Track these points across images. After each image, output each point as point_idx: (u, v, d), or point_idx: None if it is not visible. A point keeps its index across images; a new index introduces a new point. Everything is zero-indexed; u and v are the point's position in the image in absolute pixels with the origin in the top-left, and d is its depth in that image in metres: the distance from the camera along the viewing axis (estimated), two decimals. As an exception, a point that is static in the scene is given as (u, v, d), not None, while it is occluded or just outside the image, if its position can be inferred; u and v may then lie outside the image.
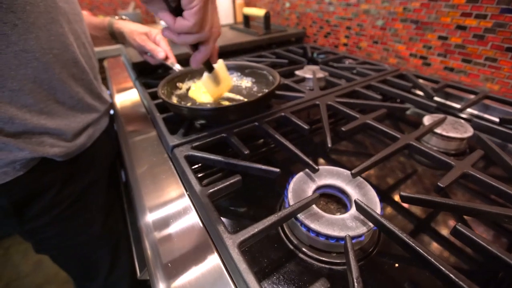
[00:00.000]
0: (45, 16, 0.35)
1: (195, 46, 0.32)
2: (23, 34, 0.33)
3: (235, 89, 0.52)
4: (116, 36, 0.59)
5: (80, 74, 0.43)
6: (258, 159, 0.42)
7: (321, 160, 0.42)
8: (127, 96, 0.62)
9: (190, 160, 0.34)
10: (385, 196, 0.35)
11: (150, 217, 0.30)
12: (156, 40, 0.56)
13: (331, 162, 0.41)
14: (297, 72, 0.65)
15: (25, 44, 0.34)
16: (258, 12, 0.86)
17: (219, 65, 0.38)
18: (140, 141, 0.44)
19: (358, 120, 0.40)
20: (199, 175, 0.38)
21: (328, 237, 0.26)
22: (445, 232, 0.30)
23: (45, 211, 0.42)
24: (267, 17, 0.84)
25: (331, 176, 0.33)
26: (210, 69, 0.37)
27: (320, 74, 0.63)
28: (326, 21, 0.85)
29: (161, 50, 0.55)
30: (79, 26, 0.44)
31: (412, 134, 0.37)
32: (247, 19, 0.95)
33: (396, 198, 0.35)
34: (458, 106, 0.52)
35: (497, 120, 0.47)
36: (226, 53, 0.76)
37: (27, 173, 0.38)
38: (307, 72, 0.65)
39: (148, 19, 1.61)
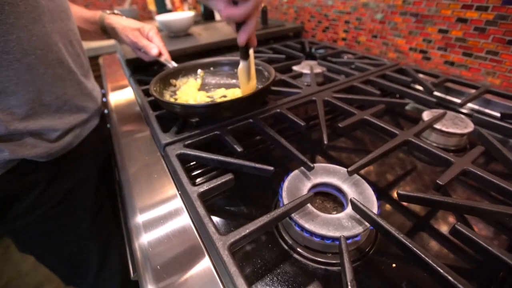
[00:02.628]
0: (26, 16, 0.34)
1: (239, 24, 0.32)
2: (2, 36, 0.32)
3: (231, 86, 0.51)
4: (107, 32, 0.57)
5: (66, 74, 0.42)
6: (254, 156, 0.41)
7: (319, 157, 0.41)
8: (122, 94, 0.61)
9: (182, 158, 0.34)
10: (383, 193, 0.34)
11: (140, 218, 0.29)
12: (149, 36, 0.55)
13: (329, 159, 0.40)
14: (294, 68, 0.64)
15: (5, 46, 0.33)
16: (255, 6, 0.84)
17: (252, 56, 0.38)
18: (133, 139, 0.43)
19: (356, 116, 0.39)
20: (195, 173, 0.38)
21: (323, 237, 0.25)
22: (444, 229, 0.29)
23: (28, 211, 0.41)
24: (264, 11, 0.82)
25: (327, 174, 0.32)
26: (246, 54, 0.37)
27: (318, 69, 0.62)
28: (325, 15, 0.83)
29: (154, 46, 0.54)
30: (66, 24, 0.42)
31: (411, 130, 0.36)
32: (244, 14, 0.93)
33: (395, 195, 0.34)
34: (458, 101, 0.51)
35: (498, 115, 0.46)
36: (222, 48, 0.75)
37: (6, 173, 0.37)
38: (304, 67, 0.64)
39: (145, 15, 1.59)
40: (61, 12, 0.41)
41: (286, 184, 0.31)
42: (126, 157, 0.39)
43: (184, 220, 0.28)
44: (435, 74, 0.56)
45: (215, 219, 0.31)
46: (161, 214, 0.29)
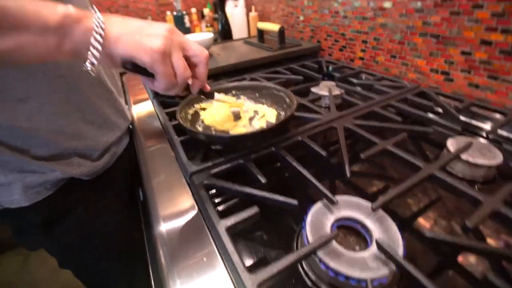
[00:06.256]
0: None
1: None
2: (56, 61, 0.35)
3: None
4: None
5: (105, 93, 0.45)
6: (276, 183, 0.42)
7: (339, 183, 0.41)
8: (145, 111, 0.64)
9: (209, 188, 0.35)
10: (406, 224, 0.34)
11: (168, 248, 0.31)
12: None
13: (349, 185, 0.40)
14: (313, 89, 0.64)
15: (59, 70, 0.36)
16: (272, 27, 0.87)
17: (219, 97, 0.44)
18: (158, 160, 0.45)
19: (378, 146, 0.39)
20: (217, 200, 0.39)
21: (348, 277, 0.26)
22: (476, 269, 0.28)
23: (73, 228, 0.44)
24: (281, 32, 0.84)
25: (351, 207, 0.33)
26: (209, 96, 0.42)
27: (337, 91, 0.62)
28: (342, 35, 0.84)
29: None
30: None
31: (436, 163, 0.36)
32: (261, 33, 0.96)
33: (418, 225, 0.33)
34: (484, 125, 0.50)
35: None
36: (240, 70, 0.77)
37: (56, 191, 0.41)
38: (323, 88, 0.64)
39: (165, 32, 1.67)
40: None
41: (309, 218, 0.31)
42: (153, 183, 0.41)
43: (211, 253, 0.29)
44: (459, 98, 0.55)
45: (240, 254, 0.32)
46: (188, 243, 0.31)
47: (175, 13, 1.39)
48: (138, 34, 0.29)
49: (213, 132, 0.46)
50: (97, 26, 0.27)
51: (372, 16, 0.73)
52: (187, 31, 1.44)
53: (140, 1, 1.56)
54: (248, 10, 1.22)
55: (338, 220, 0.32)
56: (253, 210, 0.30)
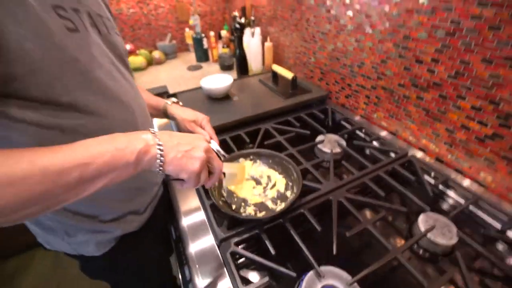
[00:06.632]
0: (127, 122, 0.49)
1: None
2: None
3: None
4: (169, 118, 0.74)
5: None
6: (283, 245, 0.54)
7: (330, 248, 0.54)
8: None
9: (234, 255, 0.49)
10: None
11: (207, 300, 0.45)
12: (202, 124, 0.70)
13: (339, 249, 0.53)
14: (319, 146, 0.76)
15: None
16: (286, 74, 0.96)
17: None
18: (194, 226, 0.59)
19: (361, 225, 0.52)
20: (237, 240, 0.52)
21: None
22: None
23: (127, 264, 0.60)
24: (294, 80, 0.94)
25: (334, 277, 0.46)
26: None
27: (337, 149, 0.74)
28: (348, 85, 0.94)
29: (206, 134, 0.69)
30: (148, 122, 0.58)
31: (401, 247, 0.48)
32: (275, 73, 1.06)
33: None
34: (453, 203, 0.61)
35: (483, 217, 0.56)
36: (259, 119, 0.87)
37: (117, 243, 0.55)
38: (326, 145, 0.76)
39: (182, 48, 1.77)
40: (145, 116, 0.57)
41: (303, 285, 0.45)
42: (190, 246, 0.54)
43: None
44: (440, 171, 0.65)
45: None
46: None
47: (194, 35, 1.48)
48: (185, 157, 0.38)
49: (235, 199, 0.59)
50: (159, 154, 0.37)
51: (375, 78, 0.82)
52: (205, 52, 1.54)
53: (162, 19, 1.65)
54: (264, 39, 1.30)
55: (324, 286, 0.46)
56: (265, 280, 0.44)
